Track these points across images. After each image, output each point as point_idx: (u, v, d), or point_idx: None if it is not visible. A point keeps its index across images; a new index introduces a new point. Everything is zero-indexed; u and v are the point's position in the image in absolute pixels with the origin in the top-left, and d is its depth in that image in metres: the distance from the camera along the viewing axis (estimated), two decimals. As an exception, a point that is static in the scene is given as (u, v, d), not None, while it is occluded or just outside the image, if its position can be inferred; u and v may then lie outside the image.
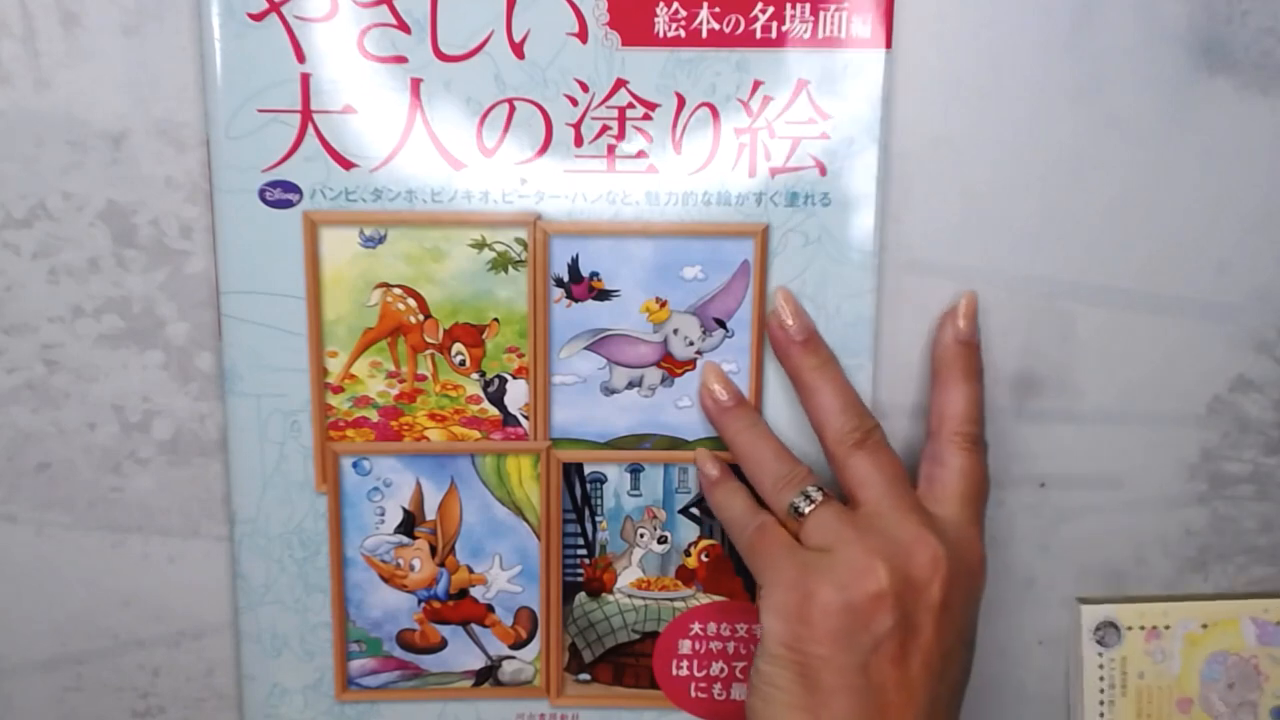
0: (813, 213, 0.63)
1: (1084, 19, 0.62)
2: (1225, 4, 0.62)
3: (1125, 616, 0.69)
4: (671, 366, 0.64)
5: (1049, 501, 0.69)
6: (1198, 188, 0.64)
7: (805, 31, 0.61)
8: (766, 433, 0.64)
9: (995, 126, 0.63)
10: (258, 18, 0.59)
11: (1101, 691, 0.69)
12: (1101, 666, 0.69)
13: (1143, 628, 0.69)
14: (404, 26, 0.60)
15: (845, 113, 0.62)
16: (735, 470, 0.65)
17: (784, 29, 0.61)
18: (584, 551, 0.67)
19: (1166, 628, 0.69)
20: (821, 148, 0.62)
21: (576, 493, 0.66)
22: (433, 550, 0.66)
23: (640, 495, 0.66)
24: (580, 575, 0.68)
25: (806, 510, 0.60)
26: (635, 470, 0.66)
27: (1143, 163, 0.64)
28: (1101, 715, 0.70)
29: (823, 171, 0.62)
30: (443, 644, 0.68)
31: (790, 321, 0.63)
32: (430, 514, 0.66)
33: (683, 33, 0.60)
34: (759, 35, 0.60)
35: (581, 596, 0.68)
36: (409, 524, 0.66)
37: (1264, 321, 0.66)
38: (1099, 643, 0.69)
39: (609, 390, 0.65)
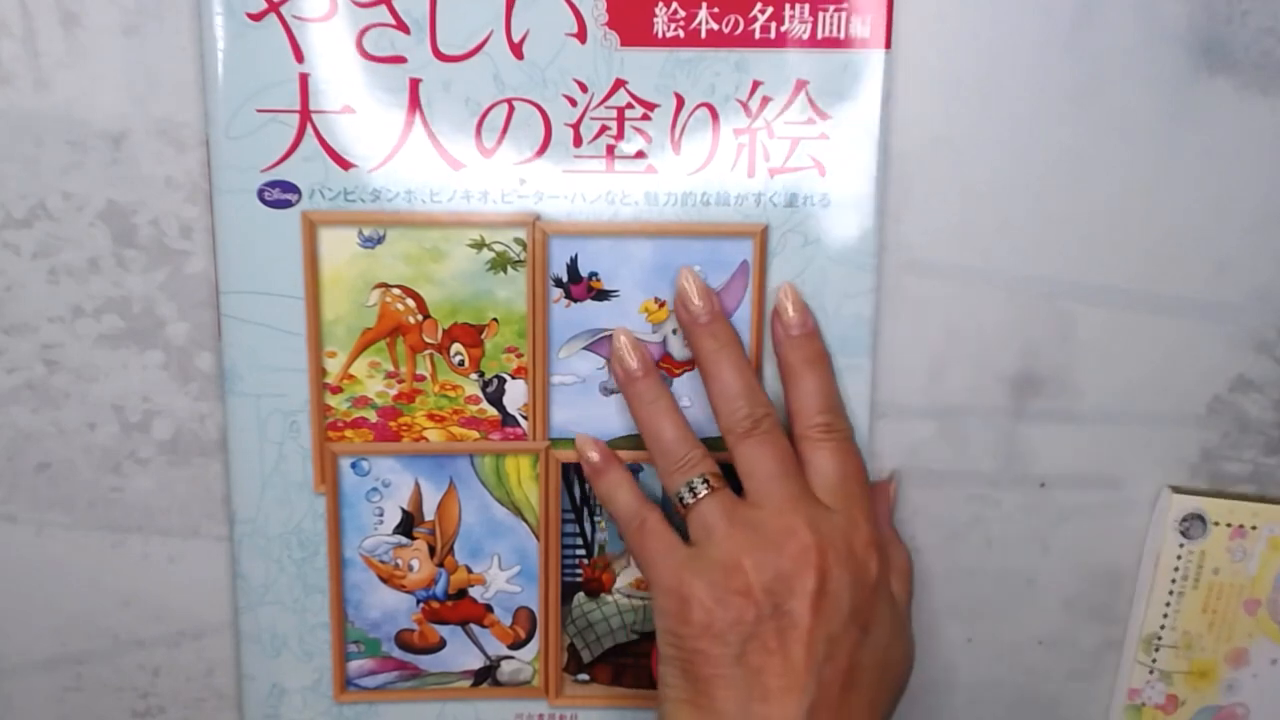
0: (812, 213, 0.63)
1: (1084, 19, 0.62)
2: (1225, 4, 0.62)
3: (1214, 511, 0.68)
4: (670, 367, 0.64)
5: (1049, 501, 0.68)
6: (1198, 188, 0.64)
7: (804, 32, 0.60)
8: (671, 408, 0.63)
9: (995, 126, 0.63)
10: (257, 18, 0.59)
11: (1173, 582, 0.69)
12: (1179, 558, 0.69)
13: (1229, 525, 0.68)
14: (403, 27, 0.59)
15: (845, 113, 0.62)
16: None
17: (783, 29, 0.60)
18: (583, 552, 0.67)
19: (1254, 528, 0.68)
20: (821, 148, 0.62)
21: (575, 493, 0.66)
22: (431, 550, 0.66)
23: (641, 496, 0.66)
24: (579, 575, 0.68)
25: (690, 501, 0.61)
26: (634, 470, 0.65)
27: (1143, 163, 0.64)
28: (1168, 605, 0.69)
29: (822, 172, 0.62)
30: (441, 644, 0.68)
31: (697, 302, 0.62)
32: (429, 514, 0.66)
33: (681, 33, 0.60)
34: (758, 35, 0.60)
35: (580, 597, 0.68)
36: (408, 524, 0.66)
37: (1264, 321, 0.66)
38: (1183, 534, 0.68)
39: (608, 390, 0.64)
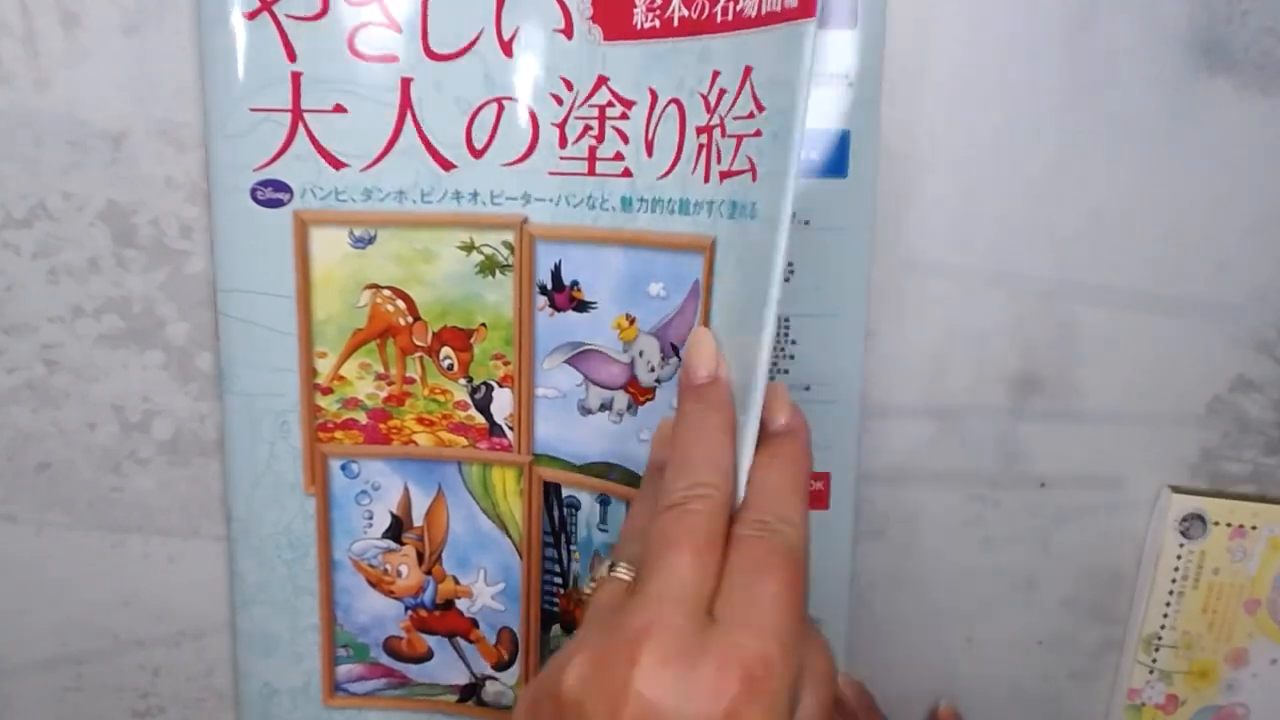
0: (746, 227, 0.53)
1: (1084, 19, 0.62)
2: (1225, 4, 0.62)
3: (1214, 511, 0.68)
4: (636, 393, 0.62)
5: (1049, 501, 0.68)
6: (1198, 188, 0.64)
7: (752, 8, 0.52)
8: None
9: (995, 126, 0.63)
10: (250, 16, 0.59)
11: (1174, 582, 0.69)
12: (1179, 558, 0.68)
13: (1229, 524, 0.68)
14: (394, 26, 0.59)
15: (777, 102, 0.50)
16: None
17: (738, 8, 0.53)
18: (560, 580, 0.67)
19: (1254, 528, 0.68)
20: (754, 146, 0.52)
21: (555, 515, 0.66)
22: (420, 557, 0.66)
23: (607, 531, 0.65)
24: (556, 605, 0.67)
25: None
26: (604, 502, 0.64)
27: (1143, 163, 0.63)
28: (1168, 605, 0.69)
29: (754, 177, 0.52)
30: (429, 654, 0.68)
31: (698, 368, 0.50)
32: (418, 520, 0.66)
33: (657, 22, 0.58)
34: (719, 19, 0.55)
35: (557, 629, 0.67)
36: (397, 529, 0.66)
37: (1264, 321, 0.66)
38: (1183, 534, 0.68)
39: (585, 410, 0.64)
